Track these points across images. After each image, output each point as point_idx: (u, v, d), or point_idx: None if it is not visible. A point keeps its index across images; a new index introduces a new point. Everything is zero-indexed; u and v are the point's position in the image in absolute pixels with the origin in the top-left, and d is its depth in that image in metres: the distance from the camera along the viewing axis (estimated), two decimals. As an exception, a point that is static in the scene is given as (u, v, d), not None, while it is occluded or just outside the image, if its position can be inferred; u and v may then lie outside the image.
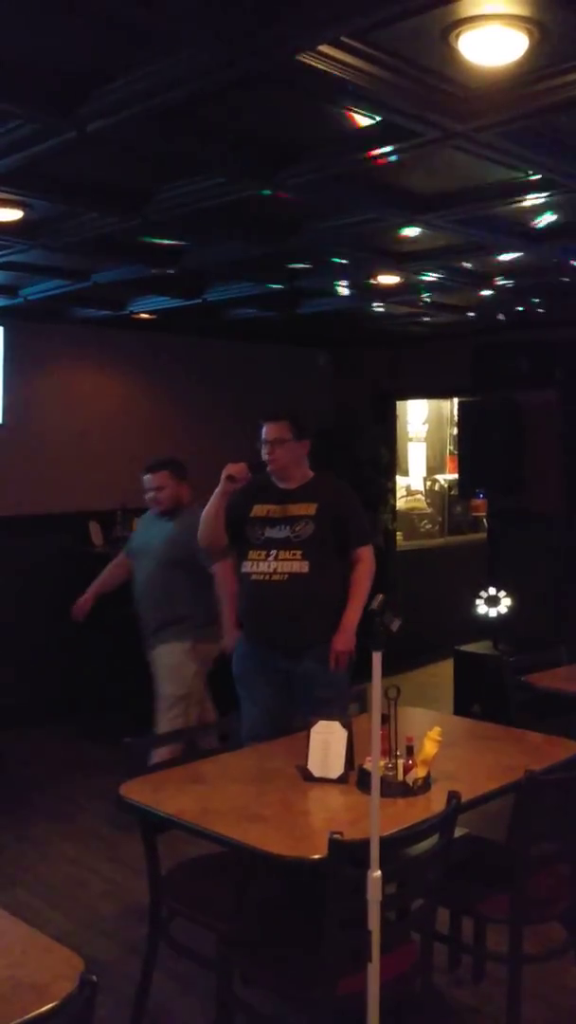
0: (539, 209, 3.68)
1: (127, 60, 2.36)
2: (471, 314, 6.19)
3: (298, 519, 3.82)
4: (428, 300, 5.73)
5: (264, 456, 3.88)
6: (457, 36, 2.21)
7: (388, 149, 2.90)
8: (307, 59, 2.26)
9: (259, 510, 3.89)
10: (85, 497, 6.68)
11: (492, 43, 2.23)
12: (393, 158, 2.98)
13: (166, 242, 4.24)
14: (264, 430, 3.90)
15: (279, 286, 5.18)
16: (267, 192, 3.32)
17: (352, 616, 3.81)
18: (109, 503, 6.71)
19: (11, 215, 3.73)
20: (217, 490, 3.89)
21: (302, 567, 3.76)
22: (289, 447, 3.87)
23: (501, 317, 6.34)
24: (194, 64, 2.30)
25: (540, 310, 6.01)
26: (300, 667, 3.78)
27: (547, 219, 3.83)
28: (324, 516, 3.82)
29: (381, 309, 6.14)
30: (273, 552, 3.80)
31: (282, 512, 3.85)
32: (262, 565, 3.81)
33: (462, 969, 3.41)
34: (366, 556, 3.92)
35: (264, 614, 3.81)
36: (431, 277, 4.94)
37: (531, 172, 3.14)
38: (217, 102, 2.63)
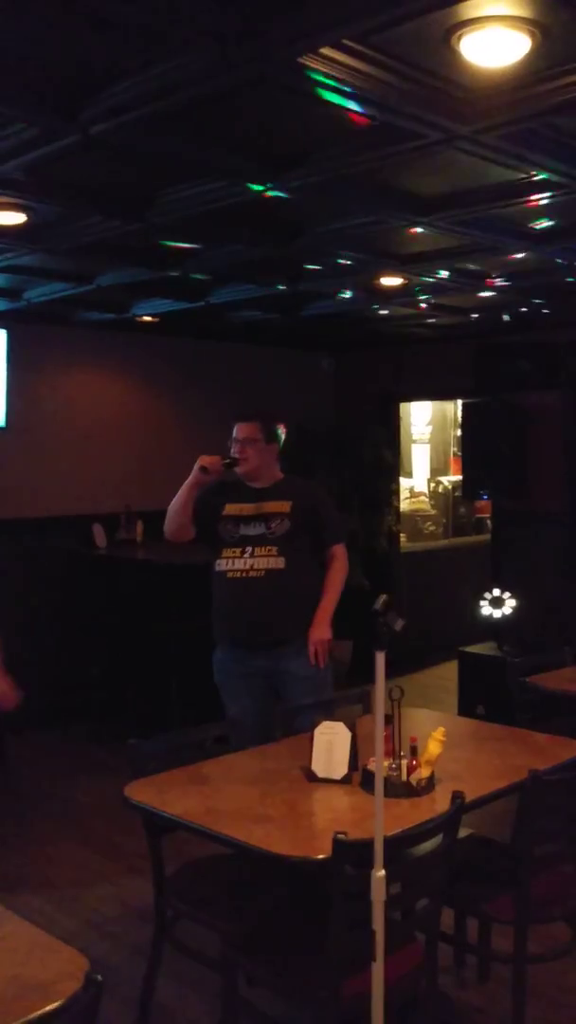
0: (541, 212, 3.69)
1: (129, 64, 2.37)
2: (474, 316, 6.20)
3: (273, 516, 3.84)
4: (431, 302, 5.73)
5: (234, 454, 3.89)
6: (459, 38, 2.21)
7: (390, 151, 2.91)
8: (309, 62, 2.27)
9: (232, 508, 3.90)
10: (89, 500, 6.69)
11: (494, 45, 2.24)
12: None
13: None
14: (236, 429, 3.92)
15: (282, 289, 5.19)
16: (278, 193, 3.32)
17: (327, 607, 3.86)
18: (113, 505, 6.72)
19: (15, 218, 3.74)
20: (188, 480, 3.90)
21: (278, 563, 3.78)
22: (259, 447, 3.89)
23: (506, 318, 6.34)
24: (197, 67, 2.31)
25: (544, 311, 6.01)
26: (279, 664, 3.80)
27: (545, 223, 3.84)
28: (298, 513, 3.85)
29: (385, 312, 6.15)
30: (249, 549, 3.81)
31: (256, 510, 3.87)
32: (238, 562, 3.82)
33: (467, 970, 3.41)
34: (340, 553, 3.96)
35: (242, 610, 3.81)
36: (434, 279, 4.95)
37: (534, 173, 3.14)
38: (220, 105, 2.64)
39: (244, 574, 3.80)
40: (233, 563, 3.83)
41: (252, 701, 3.83)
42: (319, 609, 3.85)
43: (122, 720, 6.03)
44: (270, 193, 3.32)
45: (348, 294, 5.49)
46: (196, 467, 3.86)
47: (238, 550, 3.83)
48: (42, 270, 4.79)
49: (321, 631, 3.82)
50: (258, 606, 3.77)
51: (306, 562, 3.87)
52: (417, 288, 5.25)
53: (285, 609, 3.77)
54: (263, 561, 3.79)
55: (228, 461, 3.87)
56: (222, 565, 3.86)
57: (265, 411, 4.00)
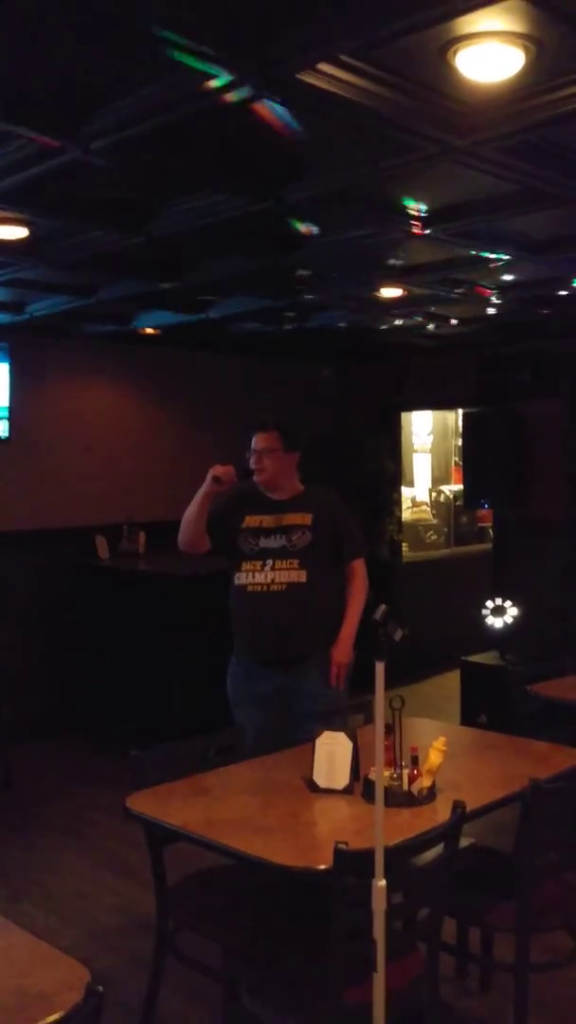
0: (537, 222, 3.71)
1: (129, 80, 2.39)
2: (475, 326, 6.22)
3: (294, 528, 3.78)
4: (432, 312, 5.75)
5: (252, 465, 3.84)
6: (455, 53, 2.23)
7: (388, 164, 2.94)
8: (307, 77, 2.29)
9: (251, 520, 3.83)
10: (91, 511, 6.71)
11: (489, 59, 2.26)
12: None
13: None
14: (254, 440, 3.86)
15: (283, 300, 5.21)
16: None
17: (350, 628, 3.80)
18: (115, 517, 6.74)
19: (16, 233, 3.76)
20: (201, 490, 3.83)
21: (300, 576, 3.72)
22: (278, 457, 3.82)
23: (504, 327, 6.36)
24: (195, 84, 2.33)
25: (543, 322, 6.03)
26: (296, 681, 3.74)
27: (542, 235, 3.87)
28: (320, 526, 3.79)
29: (385, 324, 6.18)
30: (269, 562, 3.75)
31: (277, 522, 3.80)
32: (258, 576, 3.75)
33: (469, 979, 3.41)
34: (360, 569, 3.91)
35: (262, 625, 3.75)
36: (434, 290, 4.97)
37: (529, 185, 3.17)
38: (219, 119, 2.66)
39: (265, 588, 3.73)
40: (254, 576, 3.76)
41: (263, 714, 3.77)
42: (343, 629, 3.78)
43: (124, 731, 6.03)
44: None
45: (349, 305, 5.51)
46: (209, 477, 3.79)
47: (259, 563, 3.76)
48: (44, 284, 4.82)
49: (345, 653, 3.77)
50: (279, 621, 3.71)
51: (327, 576, 3.79)
52: (416, 299, 5.28)
53: (306, 624, 3.72)
54: (284, 575, 3.72)
55: (243, 472, 3.82)
56: (242, 578, 3.80)
57: (283, 420, 3.93)
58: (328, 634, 3.78)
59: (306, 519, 3.80)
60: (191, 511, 3.87)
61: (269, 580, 3.74)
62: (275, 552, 3.76)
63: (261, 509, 3.85)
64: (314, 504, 3.86)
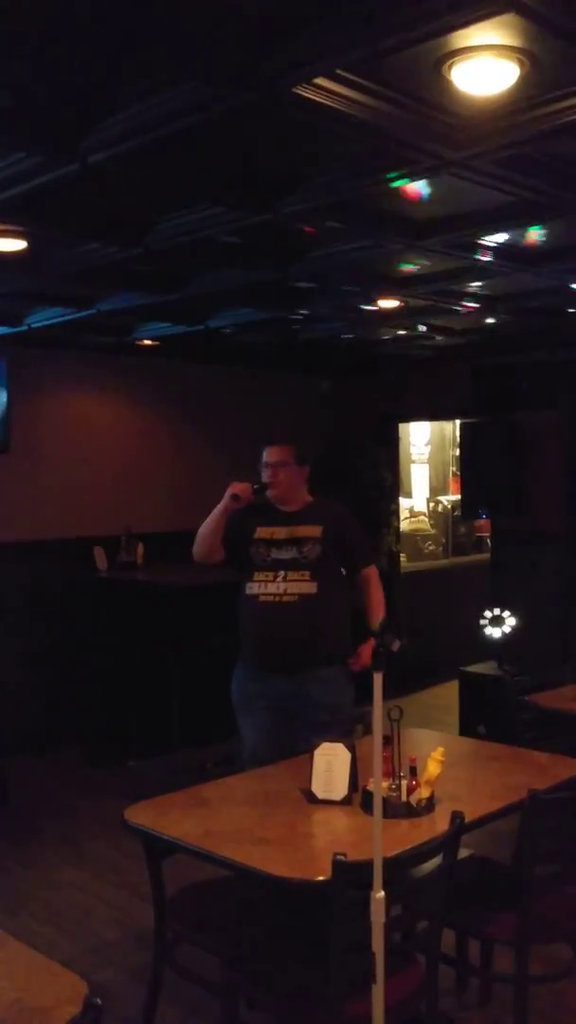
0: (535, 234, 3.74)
1: (127, 94, 2.41)
2: (472, 336, 6.24)
3: (305, 540, 3.84)
4: (429, 324, 5.77)
5: (265, 479, 3.91)
6: (450, 67, 2.25)
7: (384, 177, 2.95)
8: (304, 92, 2.31)
9: (263, 532, 3.90)
10: (89, 522, 6.71)
11: (484, 73, 2.28)
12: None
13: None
14: (266, 453, 3.94)
15: (281, 312, 5.23)
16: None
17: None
18: (113, 528, 6.74)
19: (15, 245, 3.78)
20: (219, 507, 3.91)
21: (311, 588, 3.77)
22: (291, 471, 3.91)
23: (501, 338, 6.38)
24: (193, 97, 2.35)
25: (541, 332, 6.05)
26: (301, 689, 3.76)
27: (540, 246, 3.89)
28: (329, 537, 3.85)
29: (383, 335, 6.20)
30: (282, 573, 3.81)
31: (288, 534, 3.87)
32: (271, 586, 3.81)
33: (469, 991, 3.39)
34: (374, 575, 3.99)
35: (274, 635, 3.79)
36: (431, 301, 4.99)
37: (525, 197, 3.19)
38: (216, 133, 2.68)
39: (278, 598, 3.79)
40: (266, 587, 3.82)
41: (267, 722, 3.81)
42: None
43: (122, 743, 6.01)
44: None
45: (346, 317, 5.53)
46: (227, 494, 3.88)
47: (271, 574, 3.82)
48: (42, 295, 4.84)
49: (368, 659, 3.79)
50: (291, 631, 3.76)
51: (336, 587, 3.86)
52: (415, 316, 5.30)
53: (316, 635, 3.75)
54: (296, 586, 3.78)
55: (258, 487, 3.89)
56: (254, 588, 3.85)
57: (294, 434, 4.03)
58: (337, 645, 3.82)
59: (316, 531, 3.86)
60: (208, 526, 3.95)
61: (282, 591, 3.80)
62: (287, 563, 3.82)
63: (272, 521, 3.92)
64: (324, 516, 3.93)
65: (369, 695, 2.21)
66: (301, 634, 3.74)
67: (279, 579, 3.80)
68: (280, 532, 3.88)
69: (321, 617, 3.76)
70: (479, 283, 4.66)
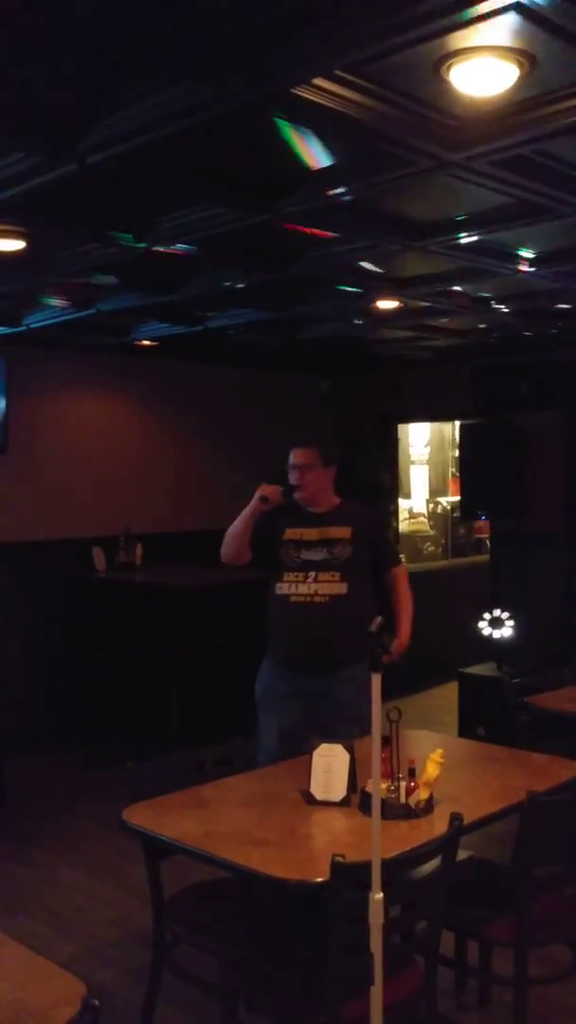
0: (534, 236, 3.73)
1: (126, 94, 2.41)
2: (472, 337, 6.24)
3: (335, 542, 3.90)
4: (428, 324, 5.77)
5: (292, 481, 3.96)
6: (449, 68, 2.25)
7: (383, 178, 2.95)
8: (302, 92, 2.31)
9: (292, 533, 3.95)
10: (88, 523, 6.71)
11: (483, 74, 2.27)
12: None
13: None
14: (293, 456, 3.98)
15: (280, 312, 5.23)
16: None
17: (404, 634, 3.96)
18: (112, 529, 6.74)
19: (13, 245, 3.78)
20: (247, 509, 3.96)
21: (341, 588, 3.83)
22: (318, 473, 3.96)
23: (496, 337, 6.38)
24: (191, 98, 2.35)
25: (541, 333, 6.05)
26: (327, 688, 3.81)
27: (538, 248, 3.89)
28: (359, 539, 3.91)
29: (382, 335, 6.19)
30: (312, 574, 3.86)
31: (319, 535, 3.92)
32: (301, 587, 3.87)
33: (468, 993, 3.39)
34: (402, 574, 4.07)
35: (303, 634, 3.85)
36: (430, 302, 4.99)
37: (524, 198, 3.19)
38: (215, 133, 2.68)
39: (308, 599, 3.85)
40: (297, 587, 3.87)
41: (289, 718, 3.86)
42: (399, 635, 3.92)
43: (121, 743, 6.01)
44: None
45: (346, 317, 5.53)
46: (256, 496, 3.93)
47: (301, 574, 3.88)
48: (42, 296, 4.83)
49: (399, 655, 3.89)
50: (321, 631, 3.81)
51: (365, 588, 3.92)
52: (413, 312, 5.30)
53: (345, 636, 3.78)
54: (327, 587, 3.84)
55: (286, 490, 3.93)
56: (284, 588, 3.90)
57: (320, 436, 4.07)
58: (363, 642, 3.84)
59: (346, 532, 3.92)
60: (236, 528, 3.99)
61: (312, 591, 3.85)
62: (318, 564, 3.88)
63: (301, 522, 3.97)
64: (353, 517, 3.98)
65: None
66: (331, 634, 3.79)
67: (309, 580, 3.86)
68: (310, 533, 3.93)
69: (351, 617, 3.78)
70: (478, 284, 4.65)
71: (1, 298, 4.84)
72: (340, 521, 3.95)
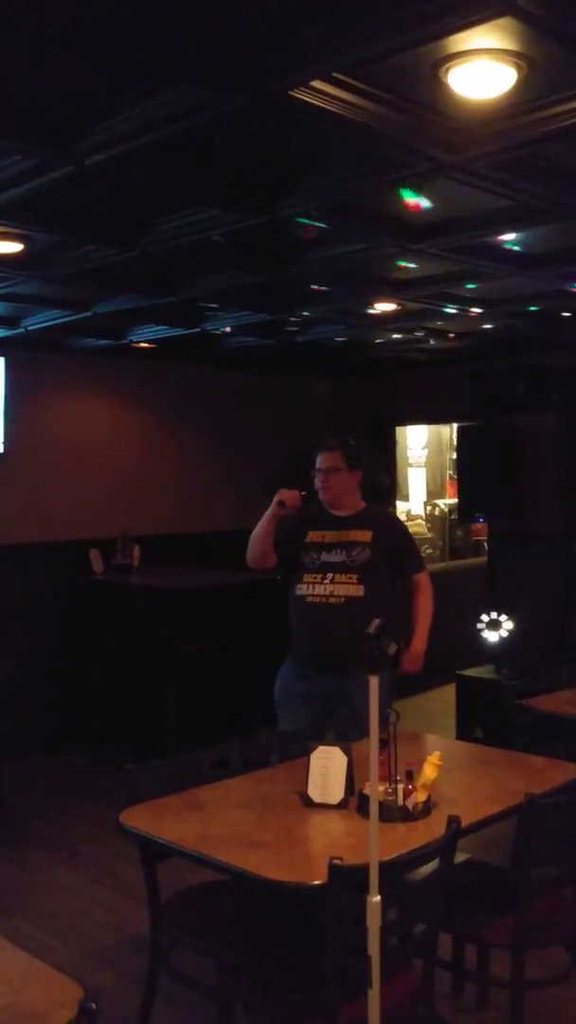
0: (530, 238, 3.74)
1: (124, 96, 2.41)
2: (469, 339, 6.24)
3: (354, 544, 3.94)
4: (426, 326, 5.78)
5: (317, 484, 4.00)
6: (447, 71, 2.25)
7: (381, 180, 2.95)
8: (301, 94, 2.31)
9: (314, 536, 4.00)
10: (86, 525, 6.70)
11: (481, 77, 2.28)
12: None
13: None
14: (319, 459, 4.02)
15: (277, 315, 5.23)
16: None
17: (421, 639, 4.01)
18: (110, 531, 6.73)
19: (11, 248, 3.78)
20: (267, 513, 4.02)
21: (357, 591, 3.86)
22: (343, 476, 3.99)
23: (497, 341, 6.39)
24: (190, 100, 2.35)
25: (538, 336, 6.05)
26: (345, 688, 3.82)
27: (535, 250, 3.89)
28: (379, 543, 3.94)
29: (380, 338, 6.20)
30: (329, 575, 3.90)
31: (338, 537, 3.96)
32: (318, 588, 3.91)
33: (465, 996, 3.39)
34: (425, 581, 4.10)
35: (319, 636, 3.89)
36: (427, 304, 4.99)
37: (522, 201, 3.19)
38: (213, 135, 2.68)
39: (324, 600, 3.89)
40: (314, 588, 3.92)
41: (307, 717, 3.89)
42: (415, 640, 3.98)
43: (118, 745, 6.01)
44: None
45: (343, 320, 5.53)
46: (275, 501, 3.98)
47: (319, 576, 3.92)
48: (39, 298, 4.83)
49: (414, 663, 3.96)
50: (336, 632, 3.84)
51: (384, 591, 3.95)
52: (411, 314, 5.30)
53: (360, 637, 3.77)
54: (343, 588, 3.88)
55: (305, 493, 3.99)
56: (302, 590, 3.95)
57: (345, 439, 4.12)
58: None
59: (366, 536, 3.96)
60: (258, 531, 4.06)
61: (328, 593, 3.90)
62: (335, 566, 3.92)
63: (323, 525, 4.02)
64: (375, 522, 4.02)
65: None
66: (347, 635, 3.78)
67: (327, 581, 3.91)
68: (330, 536, 3.97)
69: (367, 619, 3.76)
70: (475, 286, 4.66)
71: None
72: (361, 525, 3.98)
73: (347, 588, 3.87)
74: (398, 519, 4.21)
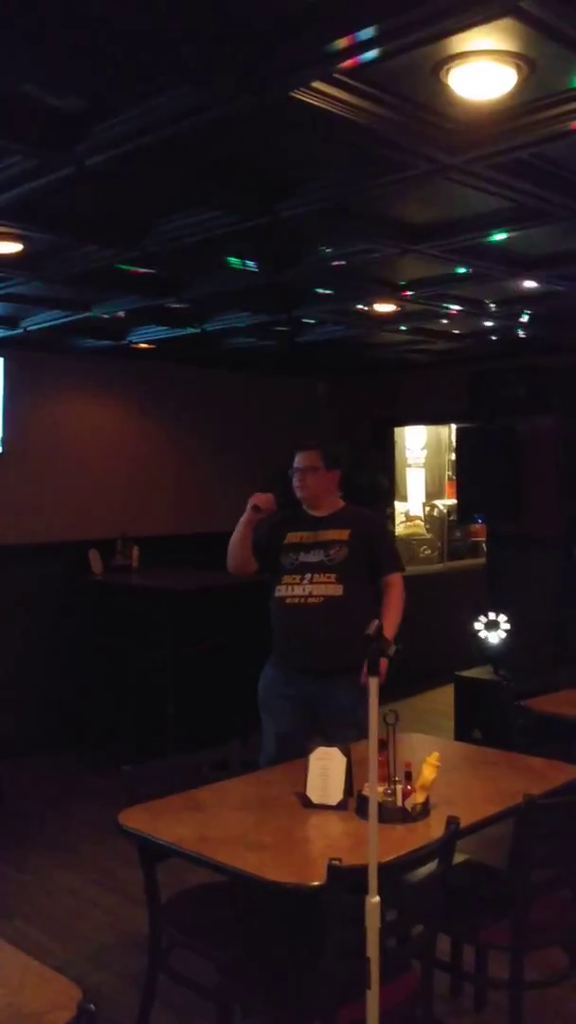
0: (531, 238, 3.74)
1: (124, 97, 2.41)
2: (468, 341, 6.24)
3: (332, 543, 3.90)
4: (425, 328, 5.78)
5: (295, 483, 3.97)
6: (447, 72, 2.26)
7: (381, 181, 2.96)
8: (301, 95, 2.31)
9: (292, 537, 3.97)
10: (85, 525, 6.70)
11: (482, 78, 2.28)
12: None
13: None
14: (296, 458, 3.99)
15: (277, 316, 5.23)
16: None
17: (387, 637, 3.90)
18: (109, 531, 6.73)
19: (11, 248, 3.78)
20: (243, 518, 3.98)
21: (336, 590, 3.83)
22: (320, 475, 3.96)
23: (494, 338, 6.39)
24: (190, 101, 2.35)
25: (537, 337, 6.06)
26: (326, 690, 3.81)
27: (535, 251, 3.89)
28: (357, 542, 3.91)
29: (379, 339, 6.20)
30: (308, 576, 3.87)
31: (315, 537, 3.93)
32: (296, 589, 3.88)
33: (464, 997, 3.39)
34: (397, 582, 4.00)
35: (298, 636, 3.85)
36: (427, 305, 5.00)
37: (522, 202, 3.19)
38: (213, 136, 2.68)
39: (302, 600, 3.85)
40: (292, 589, 3.89)
41: (290, 721, 3.87)
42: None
43: (117, 746, 6.00)
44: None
45: (343, 320, 5.53)
46: (249, 505, 3.94)
47: (297, 576, 3.89)
48: (39, 298, 4.83)
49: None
50: (315, 632, 3.81)
51: (363, 590, 3.90)
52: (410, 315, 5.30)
53: (340, 637, 3.76)
54: (321, 588, 3.84)
55: (279, 496, 3.97)
56: (281, 591, 3.92)
57: (324, 439, 4.09)
58: (361, 647, 3.83)
59: (343, 534, 3.92)
60: (235, 538, 4.02)
61: (307, 593, 3.86)
62: (313, 566, 3.88)
63: (301, 526, 3.99)
64: (352, 520, 3.98)
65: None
66: (325, 635, 3.79)
67: (305, 581, 3.87)
68: (308, 536, 3.94)
69: (346, 619, 3.78)
70: (475, 287, 4.66)
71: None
72: (339, 524, 3.95)
73: (326, 588, 3.83)
74: (377, 517, 4.13)
